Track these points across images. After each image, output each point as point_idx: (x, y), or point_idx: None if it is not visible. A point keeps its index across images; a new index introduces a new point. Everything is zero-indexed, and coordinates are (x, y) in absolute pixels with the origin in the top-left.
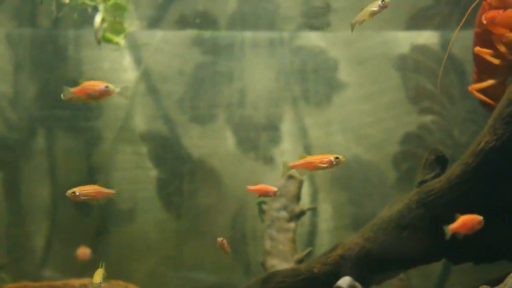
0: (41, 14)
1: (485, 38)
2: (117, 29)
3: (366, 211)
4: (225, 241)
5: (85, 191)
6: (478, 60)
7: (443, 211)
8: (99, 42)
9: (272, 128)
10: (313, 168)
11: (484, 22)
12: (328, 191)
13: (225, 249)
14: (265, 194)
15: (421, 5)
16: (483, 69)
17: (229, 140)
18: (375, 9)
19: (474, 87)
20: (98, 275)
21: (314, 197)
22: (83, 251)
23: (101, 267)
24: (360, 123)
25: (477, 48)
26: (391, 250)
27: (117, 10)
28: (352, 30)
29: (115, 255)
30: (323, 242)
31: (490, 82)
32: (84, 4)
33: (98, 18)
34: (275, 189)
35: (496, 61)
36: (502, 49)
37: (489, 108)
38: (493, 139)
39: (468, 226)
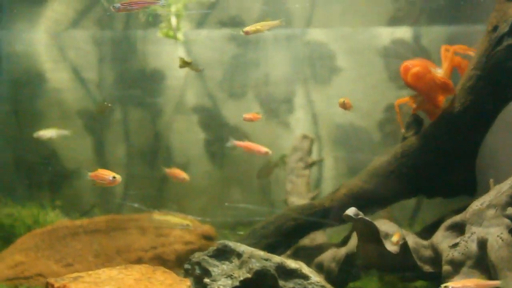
0: (116, 20)
1: None
2: (177, 29)
3: (358, 163)
4: (347, 100)
5: None
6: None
7: (420, 159)
8: (175, 38)
9: (288, 101)
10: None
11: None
12: (331, 148)
13: (348, 106)
14: None
15: (398, 6)
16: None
17: (257, 111)
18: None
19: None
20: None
21: (321, 152)
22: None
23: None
24: (353, 97)
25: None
26: (381, 189)
27: (176, 15)
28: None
29: (176, 197)
30: (327, 185)
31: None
32: (154, 10)
33: (174, 21)
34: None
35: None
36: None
37: None
38: (458, 105)
39: None
